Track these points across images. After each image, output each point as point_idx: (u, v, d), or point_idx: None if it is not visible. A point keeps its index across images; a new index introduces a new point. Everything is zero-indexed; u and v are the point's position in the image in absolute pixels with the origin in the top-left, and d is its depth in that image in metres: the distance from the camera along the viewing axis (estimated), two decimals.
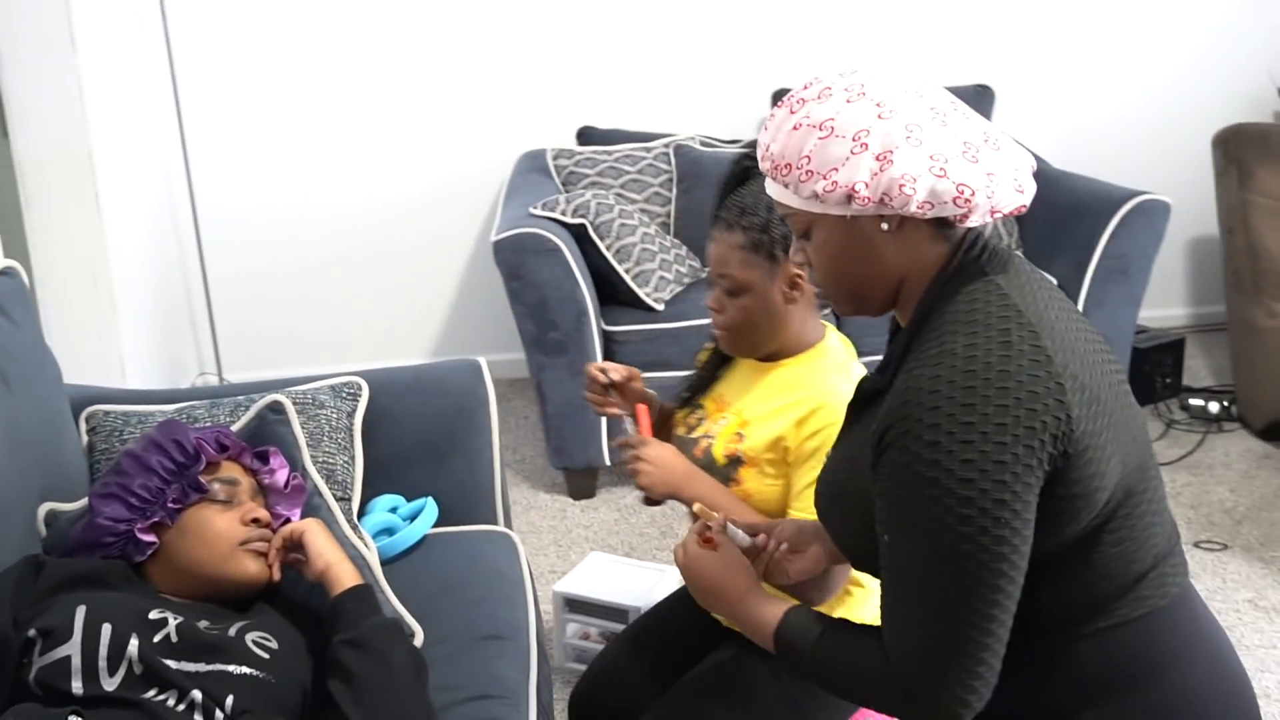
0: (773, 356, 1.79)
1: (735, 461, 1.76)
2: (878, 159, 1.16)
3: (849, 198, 1.18)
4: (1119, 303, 3.33)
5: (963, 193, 1.16)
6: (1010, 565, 1.14)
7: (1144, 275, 3.33)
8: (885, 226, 1.21)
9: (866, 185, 1.17)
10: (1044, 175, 3.66)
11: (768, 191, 1.28)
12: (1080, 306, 3.32)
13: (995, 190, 1.18)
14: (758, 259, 1.73)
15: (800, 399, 1.73)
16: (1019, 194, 1.20)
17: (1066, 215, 3.46)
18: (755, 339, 1.78)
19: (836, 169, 1.18)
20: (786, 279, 1.73)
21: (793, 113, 1.22)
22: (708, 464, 1.78)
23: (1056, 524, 1.18)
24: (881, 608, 1.22)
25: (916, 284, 1.26)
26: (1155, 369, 3.74)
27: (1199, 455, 3.45)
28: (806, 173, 1.19)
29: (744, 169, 1.77)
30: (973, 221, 1.20)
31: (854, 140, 1.17)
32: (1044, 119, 4.21)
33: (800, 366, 1.77)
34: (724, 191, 1.79)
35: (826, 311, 2.03)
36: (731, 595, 1.39)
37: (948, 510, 1.13)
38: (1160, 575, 1.25)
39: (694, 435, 1.83)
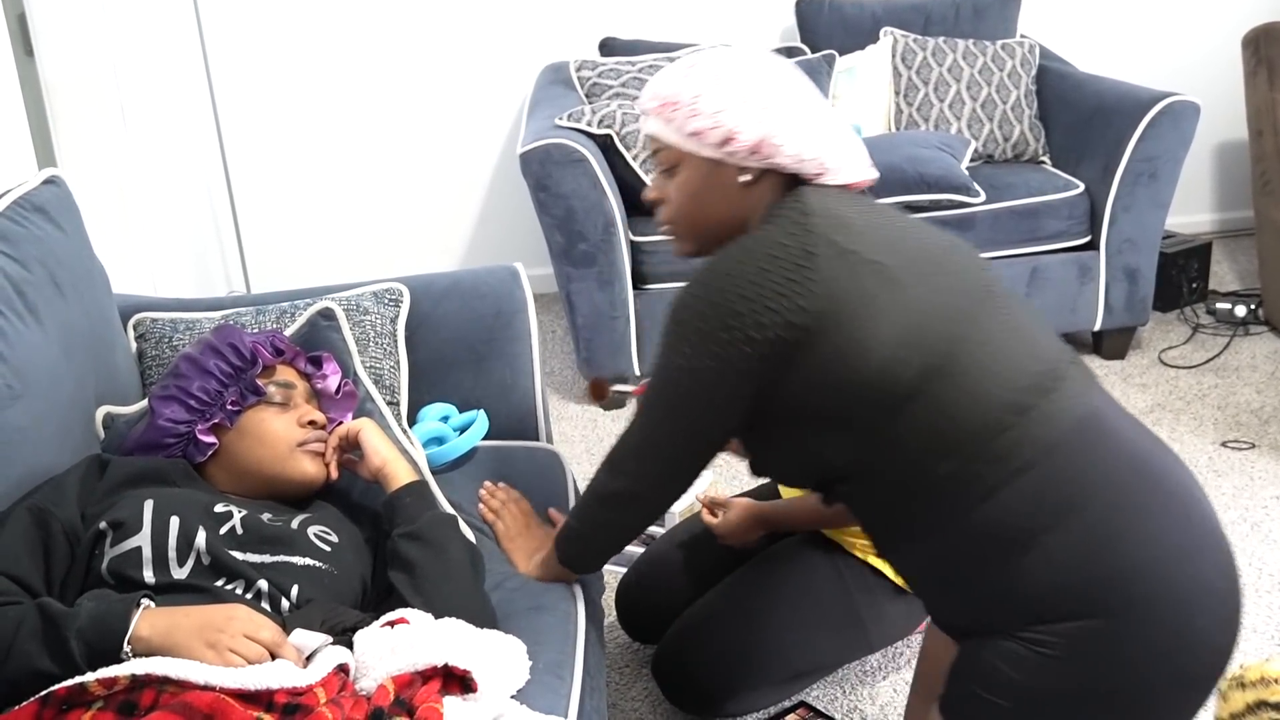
0: None
1: None
2: (762, 109, 1.34)
3: (727, 140, 1.35)
4: (1147, 206, 3.32)
5: (818, 159, 1.36)
6: (715, 390, 1.33)
7: (1172, 178, 3.31)
8: (743, 179, 1.38)
9: (745, 133, 1.35)
10: (1071, 78, 3.64)
11: (643, 129, 1.43)
12: (1109, 210, 3.31)
13: (843, 166, 1.40)
14: None
15: None
16: (860, 172, 1.42)
17: (1094, 118, 3.44)
18: None
19: (720, 112, 1.35)
20: None
21: (691, 64, 1.39)
22: None
23: (829, 372, 1.28)
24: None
25: (749, 227, 1.43)
26: (1182, 274, 3.74)
27: (1225, 358, 3.46)
28: (692, 111, 1.36)
29: None
30: (825, 181, 1.38)
31: (741, 96, 1.35)
32: (1070, 20, 4.16)
33: None
34: None
35: None
36: None
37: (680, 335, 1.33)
38: (1044, 412, 1.28)
39: None
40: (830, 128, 1.39)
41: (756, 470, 1.48)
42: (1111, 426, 1.31)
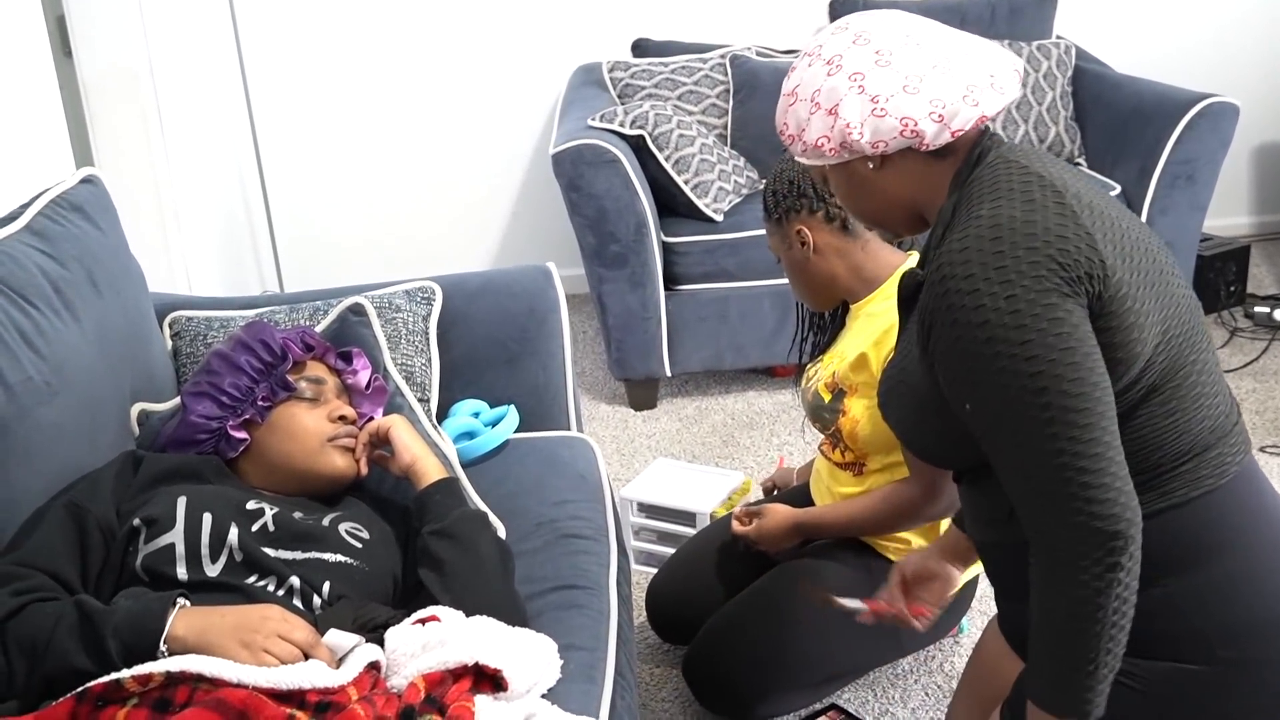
0: (856, 300, 1.95)
1: (838, 394, 1.92)
2: (829, 114, 1.29)
3: (821, 152, 1.31)
4: (1184, 208, 3.28)
5: (907, 125, 1.26)
6: (1093, 386, 1.16)
7: (1210, 180, 3.28)
8: (871, 165, 1.32)
9: (827, 139, 1.30)
10: (1108, 79, 3.60)
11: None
12: (1145, 212, 3.28)
13: (945, 112, 1.25)
14: (774, 227, 1.97)
15: (877, 323, 1.88)
16: (975, 107, 1.26)
17: (1131, 119, 3.41)
18: (815, 293, 1.98)
19: (804, 130, 1.32)
20: (794, 236, 1.93)
21: (786, 80, 1.36)
22: (818, 404, 1.96)
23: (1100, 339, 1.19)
24: (1006, 489, 1.22)
25: (934, 198, 1.33)
26: (1219, 277, 3.70)
27: (1264, 362, 3.42)
28: (789, 137, 1.34)
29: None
30: (935, 145, 1.27)
31: (811, 101, 1.31)
32: (1107, 21, 4.12)
33: (879, 300, 1.91)
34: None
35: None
36: None
37: (1009, 355, 1.16)
38: (1219, 455, 1.26)
39: (806, 385, 2.02)
40: (907, 87, 1.25)
41: (909, 440, 1.37)
42: (1261, 480, 1.30)
